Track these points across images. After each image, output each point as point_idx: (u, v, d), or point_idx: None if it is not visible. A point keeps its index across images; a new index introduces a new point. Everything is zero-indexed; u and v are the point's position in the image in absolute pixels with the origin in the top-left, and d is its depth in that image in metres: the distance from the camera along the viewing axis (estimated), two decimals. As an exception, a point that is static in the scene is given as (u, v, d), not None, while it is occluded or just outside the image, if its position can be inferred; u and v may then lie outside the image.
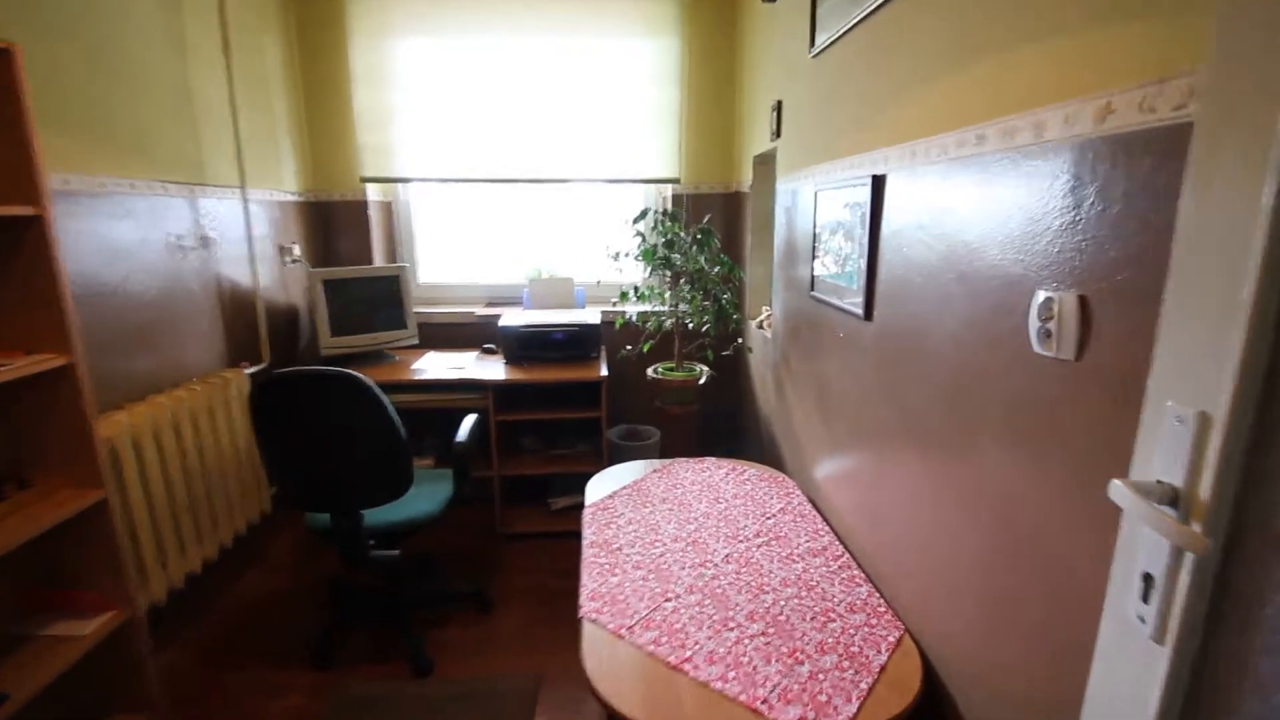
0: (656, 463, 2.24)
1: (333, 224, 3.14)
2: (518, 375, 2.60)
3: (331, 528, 1.84)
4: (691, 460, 2.24)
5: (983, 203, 1.05)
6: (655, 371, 2.73)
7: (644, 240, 2.63)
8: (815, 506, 1.92)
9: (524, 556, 2.65)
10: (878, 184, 1.45)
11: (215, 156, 2.38)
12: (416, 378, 2.59)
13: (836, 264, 1.72)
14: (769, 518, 1.83)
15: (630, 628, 1.35)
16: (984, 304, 1.05)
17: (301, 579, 2.51)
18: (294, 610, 2.30)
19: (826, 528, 1.78)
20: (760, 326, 2.69)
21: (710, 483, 2.06)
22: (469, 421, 2.16)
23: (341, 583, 2.37)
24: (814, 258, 1.91)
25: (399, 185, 3.27)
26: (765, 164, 2.74)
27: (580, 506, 2.89)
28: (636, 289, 2.59)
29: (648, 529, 1.77)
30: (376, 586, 2.30)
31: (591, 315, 2.84)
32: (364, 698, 1.90)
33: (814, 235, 1.90)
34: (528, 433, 2.93)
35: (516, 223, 3.38)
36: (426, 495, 2.10)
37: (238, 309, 2.50)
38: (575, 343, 2.75)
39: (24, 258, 1.44)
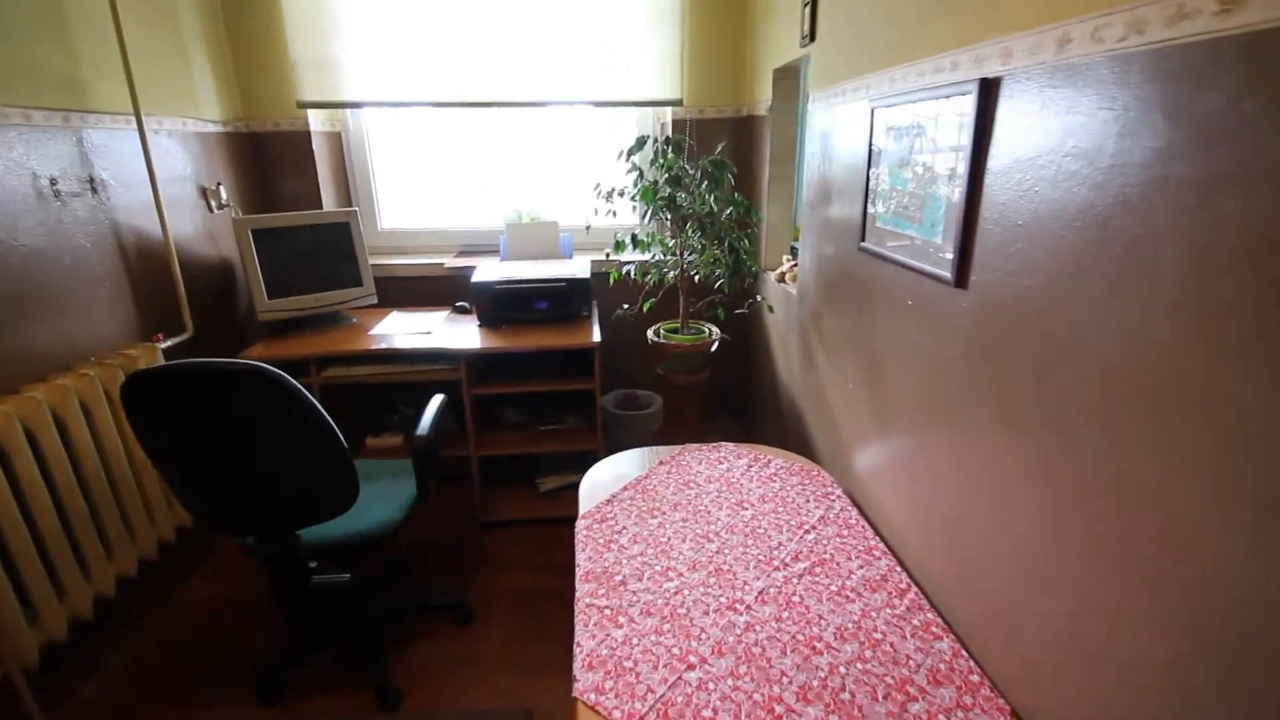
0: (663, 451, 1.86)
1: (269, 160, 2.64)
2: (494, 342, 2.18)
3: (260, 555, 1.46)
4: (705, 448, 1.87)
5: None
6: (657, 334, 2.32)
7: (641, 176, 2.16)
8: (861, 512, 1.56)
9: (508, 548, 2.31)
10: (988, 92, 1.01)
11: (98, 74, 1.87)
12: (374, 347, 2.17)
13: (905, 207, 1.29)
14: (807, 530, 1.47)
15: (643, 717, 1.00)
16: (1226, 287, 0.64)
17: (248, 588, 2.16)
18: (239, 627, 1.96)
19: (881, 545, 1.42)
20: (781, 280, 2.26)
21: (730, 479, 1.69)
22: (433, 406, 1.77)
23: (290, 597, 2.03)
24: (867, 198, 1.47)
25: (348, 113, 2.75)
26: (789, 79, 2.25)
27: (572, 487, 2.54)
28: (634, 236, 2.14)
29: (658, 551, 1.41)
30: (333, 599, 1.95)
31: (580, 267, 2.40)
32: (318, 743, 1.59)
33: (867, 168, 1.46)
34: (510, 404, 2.54)
35: (491, 157, 2.88)
36: (384, 498, 1.72)
37: (149, 267, 2.05)
38: (562, 300, 2.32)
39: None
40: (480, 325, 2.34)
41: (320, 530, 1.56)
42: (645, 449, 1.88)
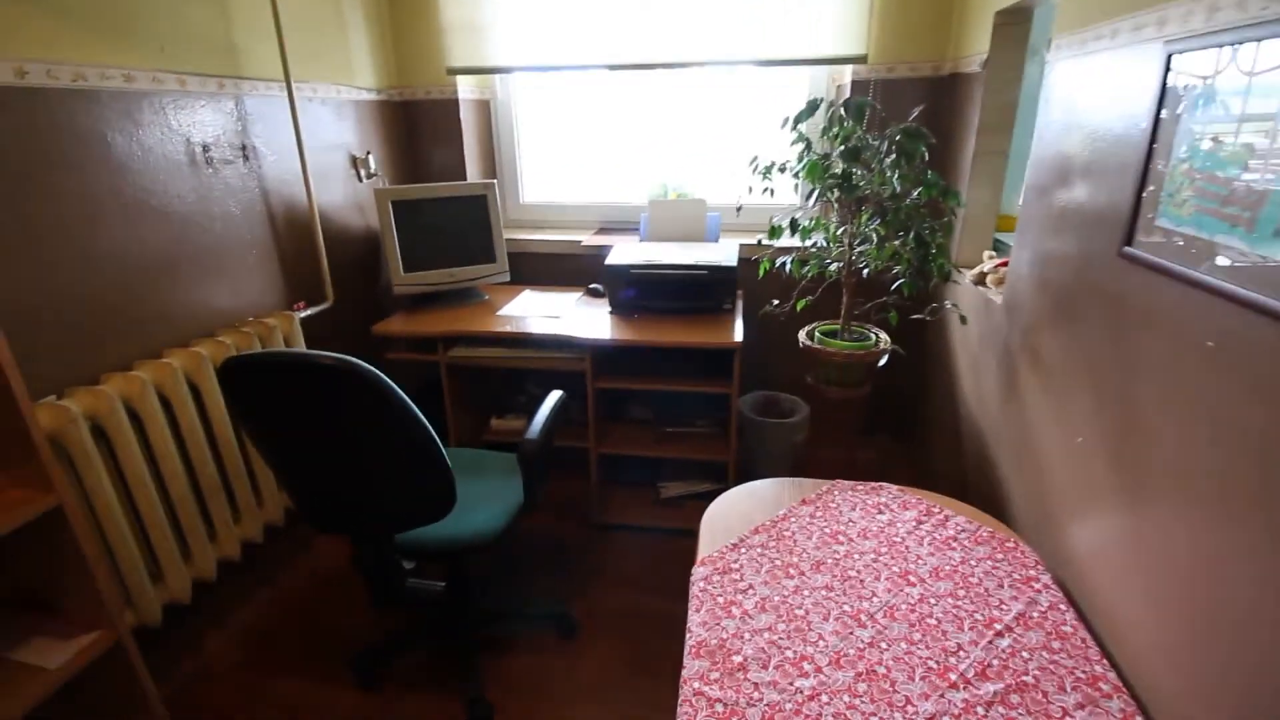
0: (806, 485, 1.54)
1: (420, 130, 2.59)
2: (623, 333, 1.96)
3: (352, 556, 1.37)
4: (861, 488, 1.52)
5: None
6: (810, 337, 1.97)
7: (808, 149, 1.80)
8: (1080, 614, 1.15)
9: (621, 558, 2.12)
10: None
11: (253, 40, 1.86)
12: (501, 329, 2.04)
13: (1224, 202, 0.85)
14: (1001, 632, 1.09)
15: None
16: None
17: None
18: (345, 604, 1.94)
19: (1111, 676, 1.01)
20: (980, 283, 1.81)
21: (892, 537, 1.34)
22: (548, 406, 1.58)
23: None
24: (1143, 184, 1.03)
25: (496, 80, 2.63)
26: (1016, 23, 1.75)
27: (697, 497, 2.29)
28: (793, 220, 1.79)
29: (791, 629, 1.11)
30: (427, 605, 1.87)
31: (727, 253, 2.09)
32: (404, 752, 1.50)
33: (1149, 141, 1.01)
34: (636, 400, 2.32)
35: (639, 127, 2.63)
36: (489, 500, 1.57)
37: (295, 235, 2.06)
38: (702, 290, 2.04)
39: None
40: (611, 312, 2.13)
41: (416, 533, 1.44)
42: (784, 481, 1.57)
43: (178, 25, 1.63)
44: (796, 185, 1.82)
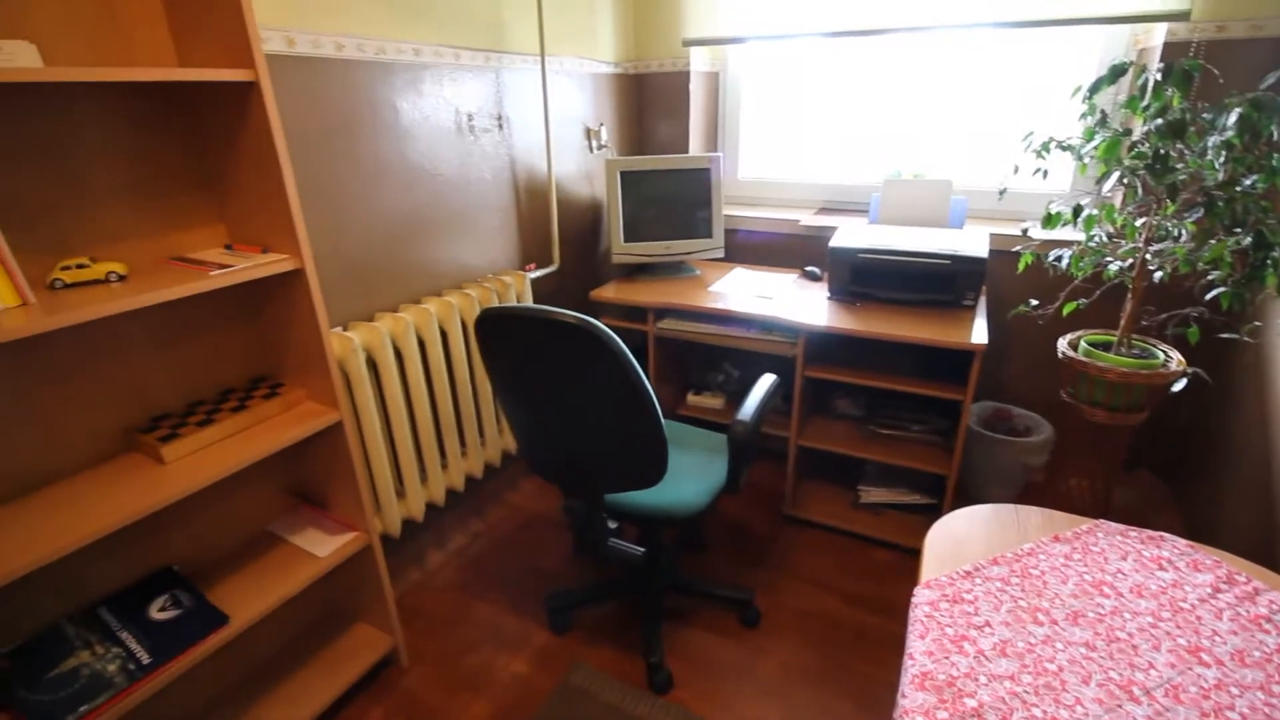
0: (1058, 519, 1.32)
1: (650, 102, 2.63)
2: (843, 321, 1.83)
3: (564, 503, 1.43)
4: (1135, 535, 1.26)
5: None
6: (1074, 347, 1.68)
7: (1103, 123, 1.51)
8: None
9: (810, 555, 2.01)
10: None
11: (516, 16, 1.99)
12: (711, 305, 2.01)
13: None
14: (1351, 758, 0.83)
15: None
16: None
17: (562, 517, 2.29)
18: (550, 543, 2.07)
19: None
20: (1337, 298, 1.40)
21: (1178, 604, 1.09)
22: (761, 389, 1.52)
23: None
24: None
25: (728, 51, 2.58)
26: None
27: (901, 509, 2.10)
28: (1077, 208, 1.51)
29: (1041, 684, 0.95)
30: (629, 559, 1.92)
31: (975, 242, 1.85)
32: (586, 692, 1.56)
33: None
34: (845, 393, 2.17)
35: (873, 101, 2.42)
36: (693, 475, 1.56)
37: (532, 201, 2.20)
38: (941, 281, 1.83)
39: (251, 137, 1.19)
40: (830, 297, 1.99)
41: (623, 496, 1.47)
42: (1030, 509, 1.35)
43: (452, 3, 1.79)
44: (1084, 166, 1.53)
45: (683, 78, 2.51)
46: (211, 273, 1.14)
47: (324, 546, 1.46)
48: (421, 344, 1.75)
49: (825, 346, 1.99)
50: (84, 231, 1.15)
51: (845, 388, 2.16)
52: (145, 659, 1.15)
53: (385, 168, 1.67)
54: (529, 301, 2.10)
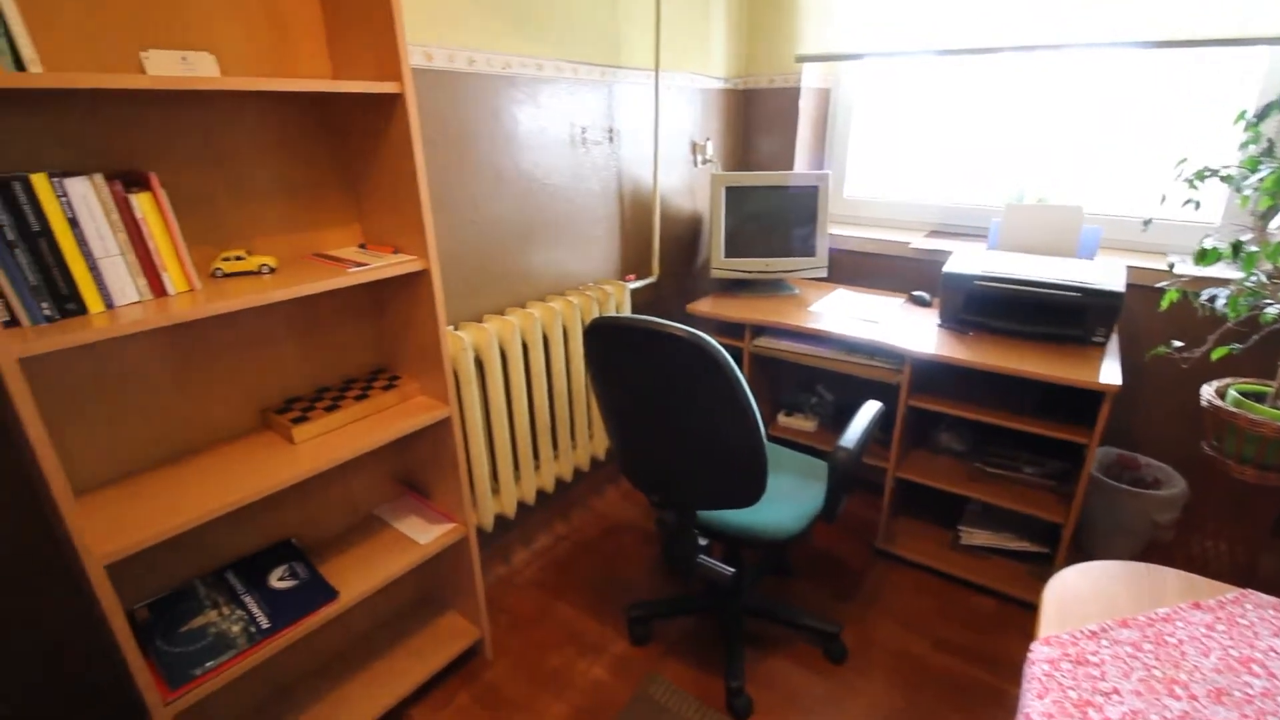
0: (1199, 584, 1.19)
1: (756, 118, 2.62)
2: (954, 350, 1.73)
3: (656, 515, 1.43)
4: (1296, 610, 1.12)
5: None
6: (1220, 395, 1.52)
7: (1270, 153, 1.36)
8: None
9: (903, 594, 1.91)
10: None
11: (634, 32, 2.03)
12: (812, 325, 1.97)
13: None
14: None
15: None
16: None
17: (649, 515, 2.30)
18: (631, 550, 2.08)
19: None
20: None
21: (1355, 695, 0.95)
22: (866, 415, 1.46)
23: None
24: None
25: (840, 68, 2.52)
26: None
27: (1007, 555, 1.96)
28: (1237, 245, 1.37)
29: (1183, 770, 0.85)
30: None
31: (1110, 274, 1.71)
32: (663, 707, 1.55)
33: None
34: (950, 425, 2.06)
35: (994, 121, 2.30)
36: (788, 499, 1.52)
37: (636, 213, 2.23)
38: (1069, 315, 1.71)
39: (391, 145, 1.27)
40: (941, 325, 1.90)
41: (717, 513, 1.46)
42: (1166, 570, 1.23)
43: (577, 19, 1.84)
44: (1245, 199, 1.39)
45: (793, 94, 2.48)
46: (349, 269, 1.22)
47: (425, 534, 1.53)
48: (525, 347, 1.80)
49: (932, 376, 1.90)
50: (241, 226, 1.26)
51: (950, 420, 2.05)
52: (265, 624, 1.24)
53: (501, 176, 1.74)
54: (627, 311, 2.12)
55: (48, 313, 0.94)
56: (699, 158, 2.45)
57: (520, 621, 1.83)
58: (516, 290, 1.87)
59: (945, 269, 1.85)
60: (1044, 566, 1.94)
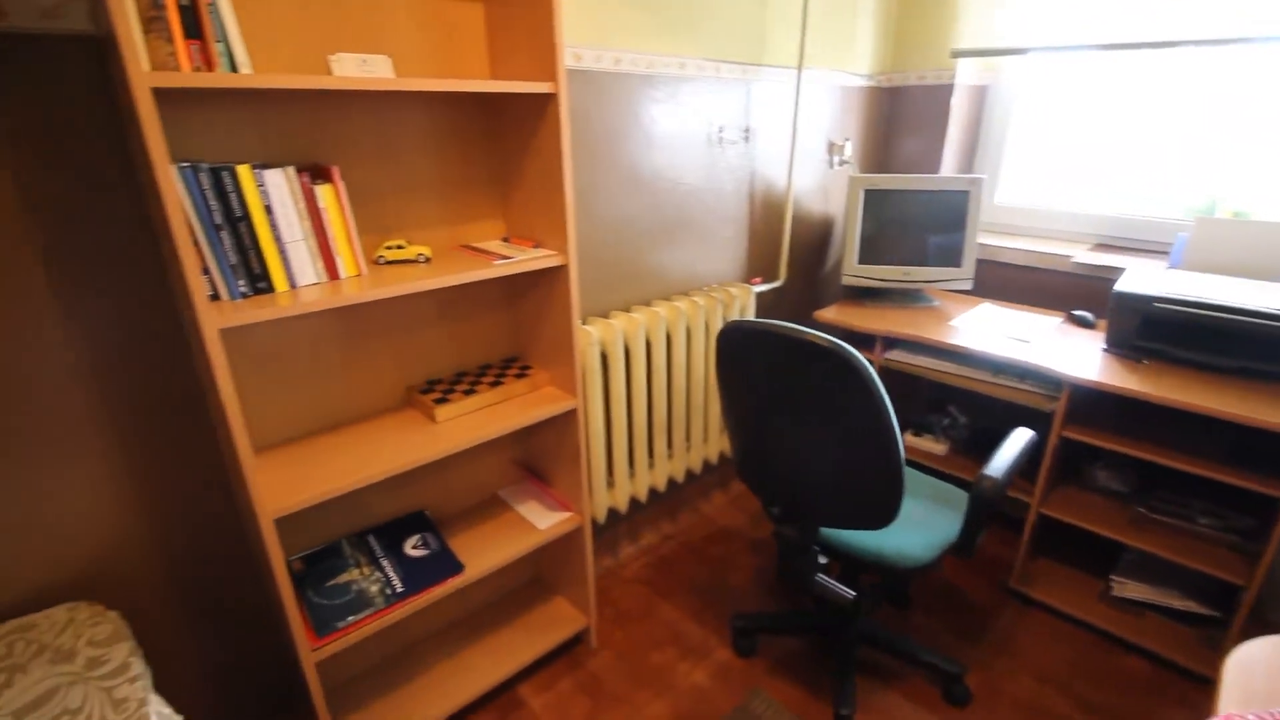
0: None
1: (900, 117, 2.47)
2: (1124, 379, 1.55)
3: (776, 528, 1.39)
4: None
5: None
6: None
7: None
8: None
9: (1038, 642, 1.74)
10: None
11: (779, 28, 1.98)
12: (952, 341, 1.83)
13: None
14: None
15: None
16: None
17: (756, 524, 2.25)
18: (731, 565, 2.04)
19: None
20: None
21: None
22: (1016, 444, 1.34)
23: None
24: None
25: (1002, 63, 2.32)
26: None
27: (1168, 614, 1.73)
28: None
29: None
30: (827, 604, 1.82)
31: (1329, 304, 1.46)
32: (766, 734, 1.51)
33: None
34: (1108, 463, 1.85)
35: (1177, 123, 2.02)
36: (918, 525, 1.43)
37: (766, 215, 2.18)
38: (1272, 349, 1.47)
39: (540, 142, 1.31)
40: (1106, 350, 1.71)
41: (842, 532, 1.39)
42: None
43: (725, 17, 1.82)
44: None
45: (944, 91, 2.32)
46: (495, 262, 1.27)
47: (544, 520, 1.57)
48: (648, 345, 1.81)
49: (1093, 406, 1.71)
50: (401, 217, 1.35)
51: (1109, 457, 1.84)
52: (399, 587, 1.33)
53: (636, 175, 1.75)
54: (751, 314, 2.08)
55: (243, 290, 1.06)
56: (835, 158, 2.35)
57: (624, 616, 1.85)
58: (642, 288, 1.88)
59: (1117, 288, 1.66)
60: (1214, 632, 1.70)
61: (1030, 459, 1.85)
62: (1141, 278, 1.69)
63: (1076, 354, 1.71)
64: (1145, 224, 2.10)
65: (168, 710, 1.00)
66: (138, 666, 1.01)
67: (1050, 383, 1.71)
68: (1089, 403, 1.71)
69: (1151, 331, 1.62)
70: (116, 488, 1.18)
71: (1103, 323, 1.94)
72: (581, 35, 1.53)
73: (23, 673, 0.98)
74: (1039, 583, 1.88)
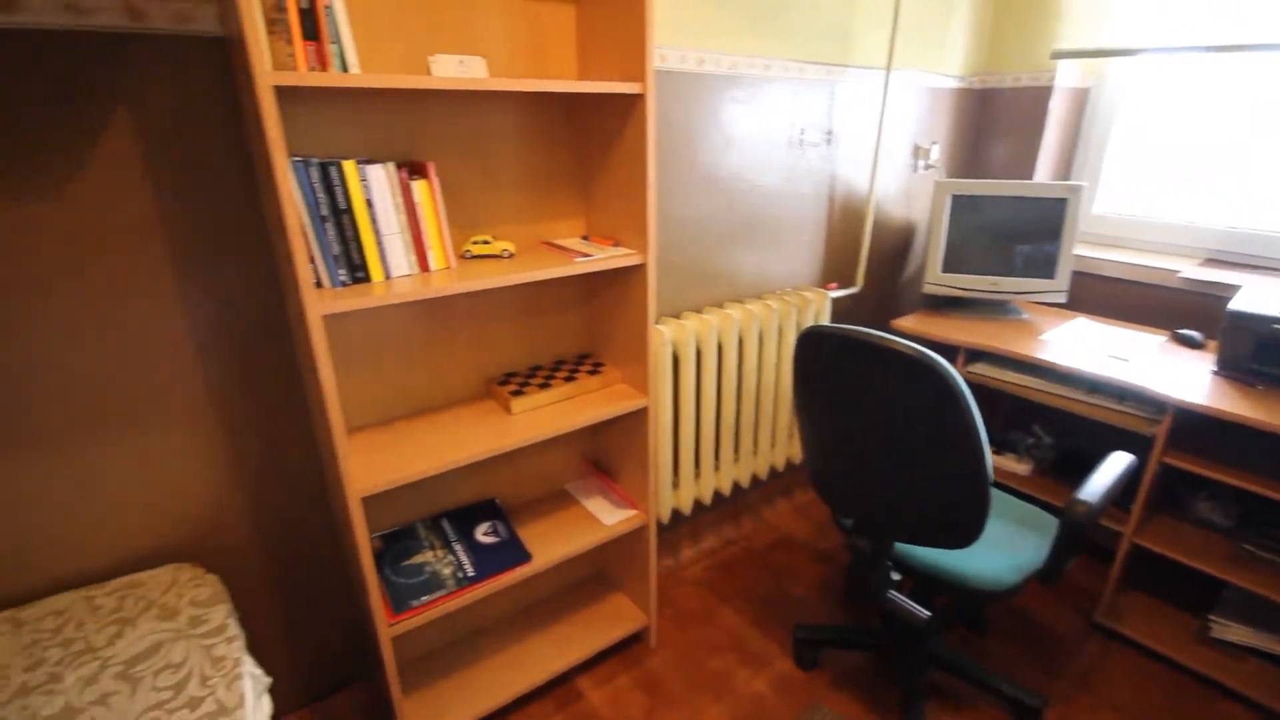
0: None
1: (992, 120, 2.37)
2: (1237, 405, 1.43)
3: (848, 540, 1.35)
4: None
5: None
6: None
7: None
8: None
9: (1125, 680, 1.63)
10: None
11: (867, 28, 1.93)
12: (1044, 356, 1.74)
13: None
14: None
15: None
16: None
17: (822, 534, 2.20)
18: (795, 575, 2.00)
19: None
20: None
21: None
22: (1113, 469, 1.26)
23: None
24: None
25: (1107, 65, 2.19)
26: None
27: (1271, 660, 1.59)
28: None
29: None
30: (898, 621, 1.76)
31: None
32: (827, 750, 1.47)
33: None
34: (1211, 493, 1.71)
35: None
36: (1001, 546, 1.36)
37: (845, 219, 2.13)
38: None
39: (625, 142, 1.32)
40: (1217, 372, 1.58)
41: (919, 549, 1.34)
42: None
43: (811, 16, 1.78)
44: None
45: (1042, 94, 2.20)
46: (576, 259, 1.29)
47: (610, 516, 1.59)
48: (719, 347, 1.80)
49: (1198, 431, 1.59)
50: (488, 213, 1.39)
51: (1214, 488, 1.71)
52: (470, 571, 1.37)
53: (715, 176, 1.74)
54: (826, 320, 2.03)
55: (343, 278, 1.11)
56: (921, 162, 2.27)
57: (684, 617, 1.84)
58: (716, 290, 1.87)
59: (1231, 306, 1.53)
60: (1333, 688, 1.55)
61: (1125, 486, 1.73)
62: (1260, 296, 1.56)
63: (1182, 375, 1.59)
64: (1263, 238, 1.93)
65: (259, 671, 1.07)
66: (234, 628, 1.08)
67: (1152, 405, 1.60)
68: (1195, 428, 1.59)
69: (1270, 355, 1.49)
70: (221, 460, 1.27)
71: (1212, 343, 1.80)
72: (664, 35, 1.53)
73: (132, 626, 1.06)
74: (1128, 617, 1.76)
